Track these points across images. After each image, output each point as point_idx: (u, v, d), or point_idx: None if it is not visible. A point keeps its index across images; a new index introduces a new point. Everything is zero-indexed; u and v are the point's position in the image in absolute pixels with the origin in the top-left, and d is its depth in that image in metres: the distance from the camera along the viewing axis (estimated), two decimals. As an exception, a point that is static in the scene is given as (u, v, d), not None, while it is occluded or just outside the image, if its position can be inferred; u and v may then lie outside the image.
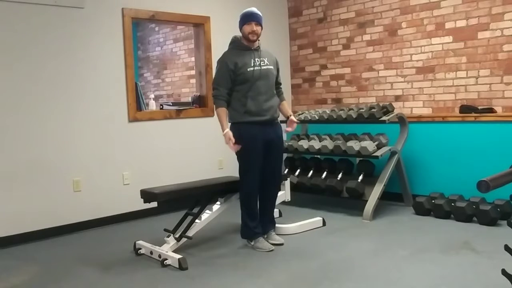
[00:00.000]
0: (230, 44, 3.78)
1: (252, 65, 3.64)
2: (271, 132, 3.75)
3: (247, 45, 3.69)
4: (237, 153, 3.71)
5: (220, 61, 3.72)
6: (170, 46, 7.72)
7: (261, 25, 3.68)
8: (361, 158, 4.83)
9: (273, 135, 3.76)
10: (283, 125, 3.86)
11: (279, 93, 3.94)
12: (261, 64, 3.68)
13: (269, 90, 3.72)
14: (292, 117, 3.82)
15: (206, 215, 3.82)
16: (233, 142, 3.59)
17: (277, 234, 3.92)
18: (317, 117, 5.19)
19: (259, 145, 3.67)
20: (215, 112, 3.79)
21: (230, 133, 3.61)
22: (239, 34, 3.74)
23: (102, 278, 3.27)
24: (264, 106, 3.67)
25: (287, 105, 4.03)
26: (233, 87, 3.67)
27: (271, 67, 3.75)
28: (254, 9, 3.70)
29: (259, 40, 3.76)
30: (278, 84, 3.92)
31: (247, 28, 3.64)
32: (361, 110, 4.79)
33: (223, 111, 3.66)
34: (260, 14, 3.69)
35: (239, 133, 3.65)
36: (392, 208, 4.81)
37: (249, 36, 3.64)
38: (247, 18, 3.65)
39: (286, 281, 3.07)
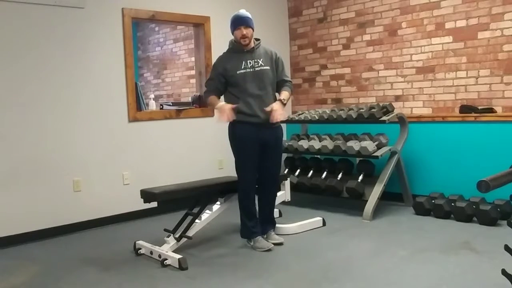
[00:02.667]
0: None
1: (242, 67, 3.64)
2: (267, 133, 3.71)
3: (240, 48, 3.69)
4: (233, 152, 3.76)
5: (213, 64, 3.83)
6: (170, 46, 7.72)
7: (251, 27, 3.65)
8: (361, 158, 4.83)
9: (269, 136, 3.72)
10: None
11: (285, 87, 3.78)
12: (254, 66, 3.66)
13: (262, 91, 3.66)
14: (277, 105, 3.61)
15: (206, 215, 3.82)
16: (229, 109, 3.56)
17: (277, 234, 3.92)
18: (317, 117, 5.19)
19: (252, 145, 3.67)
20: (214, 111, 3.82)
21: (226, 105, 3.60)
22: None
23: (102, 278, 3.27)
24: (255, 107, 3.63)
25: (285, 94, 3.73)
26: (227, 88, 3.73)
27: (267, 67, 3.70)
28: (241, 12, 3.68)
29: (258, 40, 3.77)
30: (282, 81, 3.79)
31: (238, 33, 3.64)
32: (361, 110, 4.79)
33: (213, 97, 3.73)
34: (249, 16, 3.66)
35: (233, 131, 3.72)
36: (392, 208, 4.81)
37: (240, 41, 3.65)
38: (236, 24, 3.65)
39: (286, 281, 3.07)
